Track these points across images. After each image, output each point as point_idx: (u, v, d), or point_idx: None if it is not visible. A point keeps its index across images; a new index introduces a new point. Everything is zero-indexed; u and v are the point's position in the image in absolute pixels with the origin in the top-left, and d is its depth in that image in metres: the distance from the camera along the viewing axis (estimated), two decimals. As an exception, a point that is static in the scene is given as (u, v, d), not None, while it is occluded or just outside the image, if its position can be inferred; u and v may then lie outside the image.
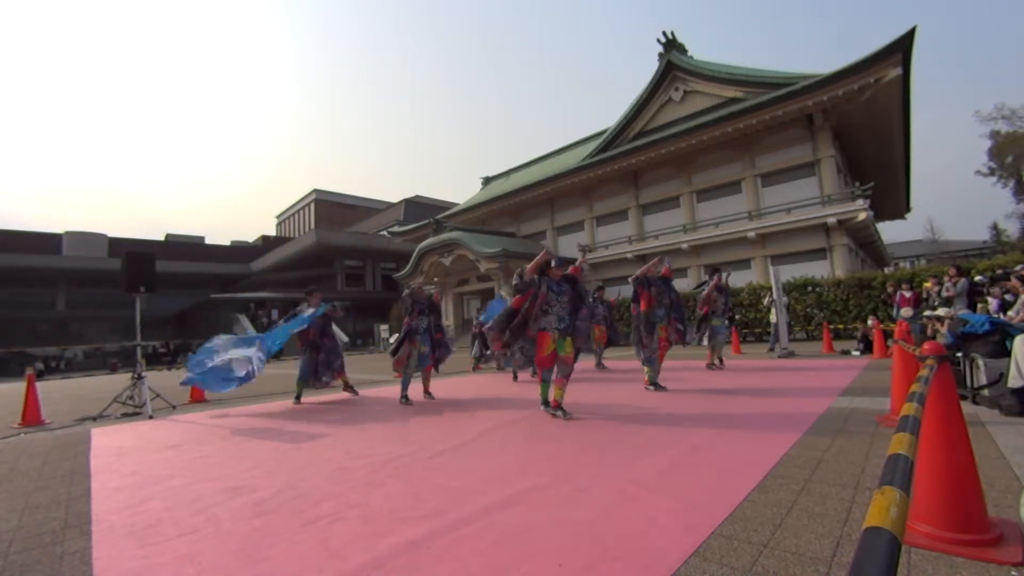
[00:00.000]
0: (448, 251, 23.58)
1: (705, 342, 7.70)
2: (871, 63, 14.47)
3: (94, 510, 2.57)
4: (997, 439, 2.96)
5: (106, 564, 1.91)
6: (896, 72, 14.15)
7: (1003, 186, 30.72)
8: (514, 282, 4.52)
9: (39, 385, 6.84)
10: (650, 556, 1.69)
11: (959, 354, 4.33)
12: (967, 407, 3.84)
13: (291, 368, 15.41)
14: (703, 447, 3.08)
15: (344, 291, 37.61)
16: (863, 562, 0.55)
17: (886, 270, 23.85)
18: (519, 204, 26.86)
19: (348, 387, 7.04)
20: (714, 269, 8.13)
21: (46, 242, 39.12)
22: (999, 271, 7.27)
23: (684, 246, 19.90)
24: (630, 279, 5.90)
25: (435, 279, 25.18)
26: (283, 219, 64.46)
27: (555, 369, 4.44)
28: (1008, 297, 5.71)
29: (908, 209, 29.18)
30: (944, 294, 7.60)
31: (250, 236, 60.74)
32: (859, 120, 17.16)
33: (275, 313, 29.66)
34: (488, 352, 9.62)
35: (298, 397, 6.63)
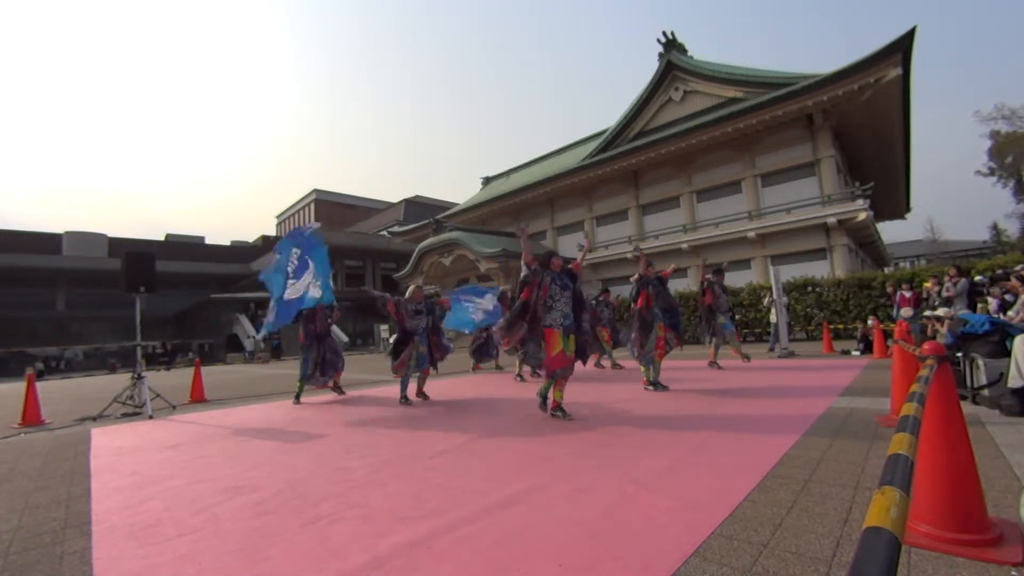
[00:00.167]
0: (448, 251, 23.58)
1: (712, 339, 7.80)
2: (871, 63, 14.47)
3: (94, 510, 2.58)
4: (997, 439, 2.96)
5: (106, 564, 1.91)
6: (896, 72, 14.15)
7: (1003, 186, 30.76)
8: (523, 274, 4.46)
9: (39, 385, 6.84)
10: (650, 556, 1.69)
11: (959, 354, 4.32)
12: (967, 407, 3.84)
13: (291, 368, 15.41)
14: (703, 447, 3.08)
15: (344, 291, 37.61)
16: (863, 562, 0.55)
17: (886, 270, 23.86)
18: (519, 204, 26.86)
19: (337, 388, 7.06)
20: (716, 269, 8.12)
21: (46, 242, 39.12)
22: (999, 271, 7.28)
23: (684, 246, 19.90)
24: (632, 279, 5.94)
25: (436, 284, 25.19)
26: (283, 219, 64.45)
27: (563, 369, 4.34)
28: (1008, 297, 5.70)
29: (908, 209, 29.17)
30: (944, 294, 7.59)
31: (250, 236, 60.77)
32: (859, 120, 17.16)
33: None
34: (493, 352, 9.63)
35: (298, 397, 6.63)
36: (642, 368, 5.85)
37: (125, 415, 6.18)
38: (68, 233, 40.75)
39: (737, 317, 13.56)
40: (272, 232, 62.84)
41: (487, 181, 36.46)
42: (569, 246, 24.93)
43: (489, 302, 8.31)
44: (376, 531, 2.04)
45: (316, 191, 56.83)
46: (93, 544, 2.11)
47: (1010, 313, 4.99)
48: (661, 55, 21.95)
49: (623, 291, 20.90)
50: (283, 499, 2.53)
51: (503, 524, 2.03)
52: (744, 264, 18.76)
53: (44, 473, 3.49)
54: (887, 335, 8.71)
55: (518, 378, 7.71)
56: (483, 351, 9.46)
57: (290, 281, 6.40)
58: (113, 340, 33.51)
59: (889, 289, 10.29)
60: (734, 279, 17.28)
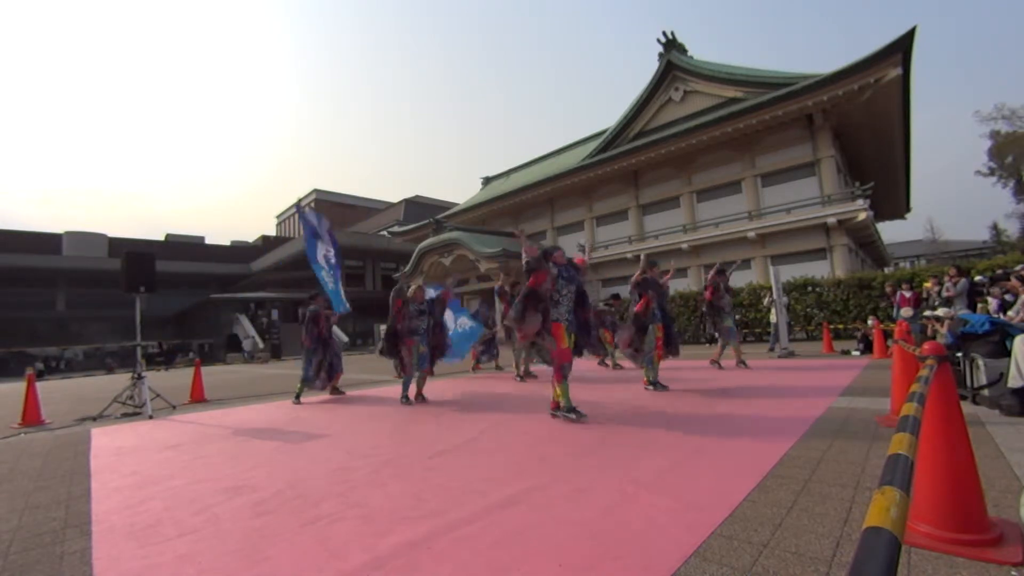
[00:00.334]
0: (448, 251, 23.57)
1: (718, 339, 7.84)
2: (871, 63, 14.46)
3: (94, 510, 2.58)
4: (997, 439, 2.96)
5: (106, 564, 1.91)
6: (896, 72, 14.14)
7: (1003, 186, 30.77)
8: (526, 260, 4.33)
9: (39, 385, 6.84)
10: (650, 556, 1.69)
11: (959, 354, 4.32)
12: (967, 407, 3.84)
13: (291, 368, 15.41)
14: (703, 447, 3.08)
15: (344, 291, 37.57)
16: (863, 562, 0.55)
17: (886, 270, 23.86)
18: (519, 204, 26.85)
19: (336, 389, 7.07)
20: (720, 269, 8.12)
21: (46, 242, 39.14)
22: (999, 271, 7.28)
23: (684, 246, 19.90)
24: (631, 282, 5.95)
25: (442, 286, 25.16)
26: (283, 219, 64.45)
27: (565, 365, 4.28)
28: (1008, 297, 5.70)
29: (908, 209, 29.16)
30: (944, 294, 7.60)
31: (250, 236, 60.81)
32: (859, 120, 17.15)
33: (275, 313, 29.66)
34: (493, 351, 9.65)
35: (298, 397, 6.64)
36: (644, 368, 5.85)
37: (125, 415, 6.18)
38: (68, 233, 40.76)
39: (737, 317, 13.56)
40: (272, 232, 62.87)
41: (487, 181, 36.45)
42: (569, 246, 24.88)
43: (466, 319, 8.12)
44: (376, 531, 2.04)
45: (316, 191, 56.82)
46: (93, 544, 2.11)
47: (1010, 313, 4.99)
48: (661, 55, 21.95)
49: (622, 291, 20.93)
50: (283, 499, 2.53)
51: (503, 524, 2.03)
52: (744, 264, 18.76)
53: (44, 473, 3.49)
54: (887, 335, 8.71)
55: (518, 378, 7.72)
56: (486, 351, 9.50)
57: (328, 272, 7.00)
58: (113, 340, 33.54)
59: (888, 289, 10.29)
60: (734, 279, 17.29)
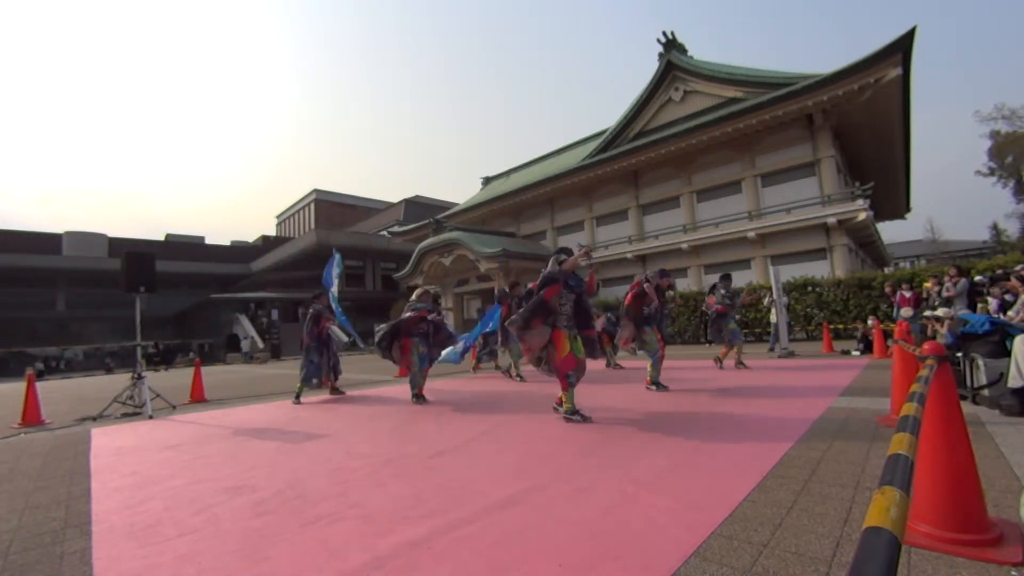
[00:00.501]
0: (448, 251, 23.57)
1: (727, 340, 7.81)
2: (871, 63, 14.46)
3: (94, 510, 2.57)
4: (997, 439, 2.96)
5: (106, 564, 1.91)
6: (896, 72, 14.14)
7: (1003, 186, 30.77)
8: (550, 269, 4.20)
9: (39, 385, 6.84)
10: (650, 556, 1.69)
11: (959, 354, 4.32)
12: (967, 407, 3.84)
13: (290, 368, 15.40)
14: (703, 447, 3.08)
15: (344, 291, 37.58)
16: (863, 562, 0.55)
17: (886, 270, 23.86)
18: (519, 204, 26.85)
19: (336, 390, 7.07)
20: (723, 275, 8.13)
21: (46, 242, 39.11)
22: (999, 271, 7.28)
23: (684, 246, 19.90)
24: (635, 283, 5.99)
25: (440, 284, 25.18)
26: (283, 219, 64.43)
27: (576, 371, 4.20)
28: (1008, 297, 5.71)
29: (908, 209, 29.17)
30: (944, 294, 7.60)
31: (250, 236, 60.78)
32: (859, 120, 17.16)
33: (275, 313, 29.66)
34: (494, 351, 9.63)
35: (298, 397, 6.64)
36: (648, 367, 5.87)
37: (125, 415, 6.18)
38: (68, 233, 40.74)
39: (737, 317, 13.56)
40: (272, 232, 62.87)
41: (487, 181, 36.46)
42: (569, 246, 24.90)
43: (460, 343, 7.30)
44: (376, 531, 2.04)
45: (316, 191, 56.79)
46: (93, 544, 2.11)
47: (1010, 313, 4.99)
48: (661, 55, 21.95)
49: (622, 291, 20.91)
50: (283, 499, 2.53)
51: (503, 524, 2.03)
52: (744, 264, 18.76)
53: (44, 473, 3.49)
54: (887, 335, 8.71)
55: (518, 378, 7.71)
56: (486, 350, 9.49)
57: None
58: (113, 340, 33.53)
59: (888, 289, 10.29)
60: (734, 279, 17.25)
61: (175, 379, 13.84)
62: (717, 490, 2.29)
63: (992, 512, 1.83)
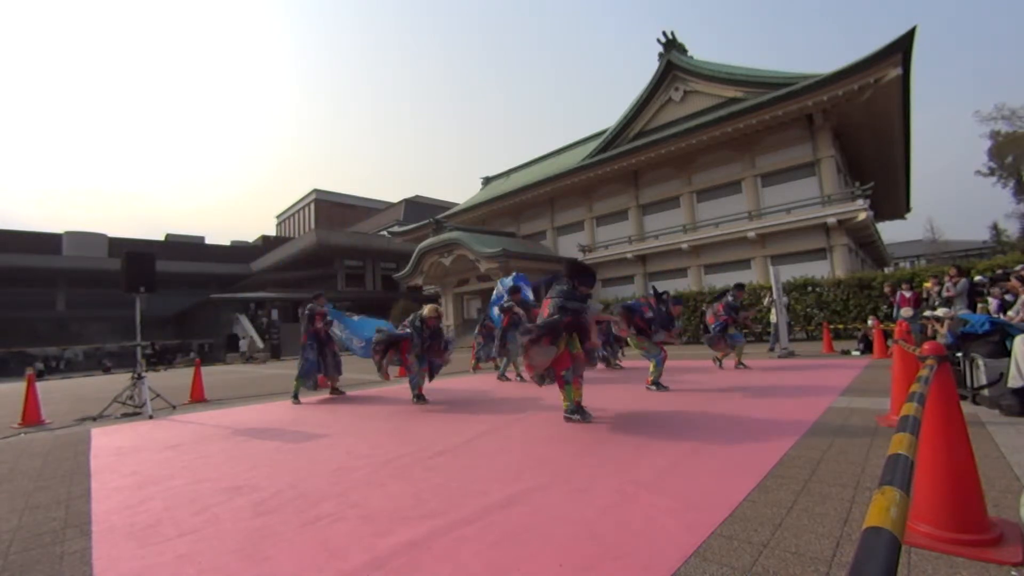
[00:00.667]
0: (448, 251, 23.57)
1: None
2: (871, 63, 14.47)
3: (94, 510, 2.57)
4: (997, 439, 2.96)
5: (106, 564, 1.91)
6: (896, 72, 14.15)
7: (1003, 186, 30.74)
8: (570, 306, 4.10)
9: (39, 385, 6.84)
10: (650, 556, 1.69)
11: (959, 354, 4.32)
12: (967, 407, 3.84)
13: (290, 368, 15.39)
14: (703, 447, 3.07)
15: (344, 291, 37.63)
16: (863, 562, 0.55)
17: (886, 270, 23.87)
18: (519, 204, 26.86)
19: (336, 390, 7.06)
20: (738, 285, 8.11)
21: (46, 242, 39.15)
22: (999, 271, 7.28)
23: (684, 246, 19.90)
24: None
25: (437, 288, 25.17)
26: (283, 219, 64.46)
27: (572, 368, 4.18)
28: (1008, 297, 5.71)
29: (908, 209, 29.18)
30: (944, 294, 7.59)
31: (250, 236, 60.84)
32: (859, 120, 17.16)
33: (275, 313, 29.67)
34: (493, 351, 9.61)
35: (296, 396, 6.63)
36: (651, 367, 5.87)
37: (125, 415, 6.18)
38: (68, 233, 40.78)
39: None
40: (272, 232, 62.89)
41: (487, 181, 36.46)
42: (569, 246, 24.94)
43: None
44: (376, 531, 2.04)
45: (316, 191, 56.81)
46: (93, 544, 2.11)
47: (1010, 313, 5.00)
48: (661, 55, 21.95)
49: (622, 291, 20.92)
50: (283, 499, 2.53)
51: (503, 524, 2.03)
52: (744, 264, 18.77)
53: (44, 473, 3.49)
54: (887, 335, 8.71)
55: (518, 378, 7.72)
56: (485, 350, 9.47)
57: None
58: (113, 340, 33.55)
59: (888, 289, 10.28)
60: (734, 279, 17.28)
61: (175, 379, 13.84)
62: (717, 490, 2.29)
63: (992, 512, 1.83)
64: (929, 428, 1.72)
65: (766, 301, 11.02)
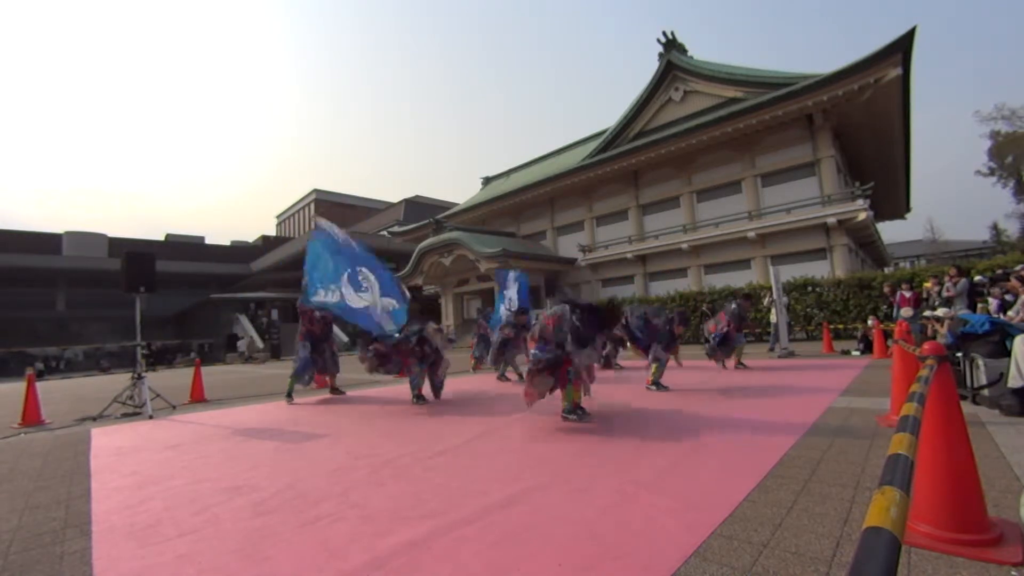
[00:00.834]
0: (448, 251, 23.57)
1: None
2: (871, 63, 14.46)
3: (94, 510, 2.57)
4: (997, 439, 2.96)
5: (106, 564, 1.91)
6: (896, 72, 14.14)
7: (1003, 186, 30.75)
8: (570, 351, 4.04)
9: (39, 385, 6.84)
10: (650, 556, 1.69)
11: (959, 354, 4.32)
12: (967, 407, 3.84)
13: (290, 368, 15.39)
14: (703, 447, 3.08)
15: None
16: (863, 562, 0.55)
17: (886, 270, 23.87)
18: (519, 204, 26.85)
19: (336, 389, 7.04)
20: (746, 295, 8.12)
21: (46, 242, 39.12)
22: (999, 271, 7.28)
23: (684, 246, 19.90)
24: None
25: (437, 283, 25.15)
26: (283, 219, 64.49)
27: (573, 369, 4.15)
28: (1008, 297, 5.71)
29: (908, 209, 29.16)
30: (944, 294, 7.59)
31: (250, 236, 60.84)
32: (859, 120, 17.15)
33: (275, 313, 29.66)
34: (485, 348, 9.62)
35: (290, 394, 6.62)
36: (652, 367, 5.87)
37: (125, 415, 6.18)
38: (68, 233, 40.76)
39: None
40: (272, 232, 62.88)
41: (487, 181, 36.45)
42: (569, 246, 24.94)
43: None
44: (376, 531, 2.04)
45: (316, 191, 56.85)
46: (93, 544, 2.11)
47: (1010, 313, 4.99)
48: (661, 55, 21.94)
49: (622, 291, 20.92)
50: (283, 499, 2.53)
51: (503, 524, 2.03)
52: (744, 264, 18.76)
53: (44, 473, 3.49)
54: (887, 335, 8.71)
55: (518, 378, 7.71)
56: (484, 350, 9.48)
57: (346, 289, 6.08)
58: (113, 340, 33.53)
59: (888, 289, 10.28)
60: (734, 279, 17.31)
61: (175, 379, 13.84)
62: (717, 490, 2.29)
63: (992, 512, 1.83)
64: (929, 428, 1.72)
65: (766, 301, 11.01)
